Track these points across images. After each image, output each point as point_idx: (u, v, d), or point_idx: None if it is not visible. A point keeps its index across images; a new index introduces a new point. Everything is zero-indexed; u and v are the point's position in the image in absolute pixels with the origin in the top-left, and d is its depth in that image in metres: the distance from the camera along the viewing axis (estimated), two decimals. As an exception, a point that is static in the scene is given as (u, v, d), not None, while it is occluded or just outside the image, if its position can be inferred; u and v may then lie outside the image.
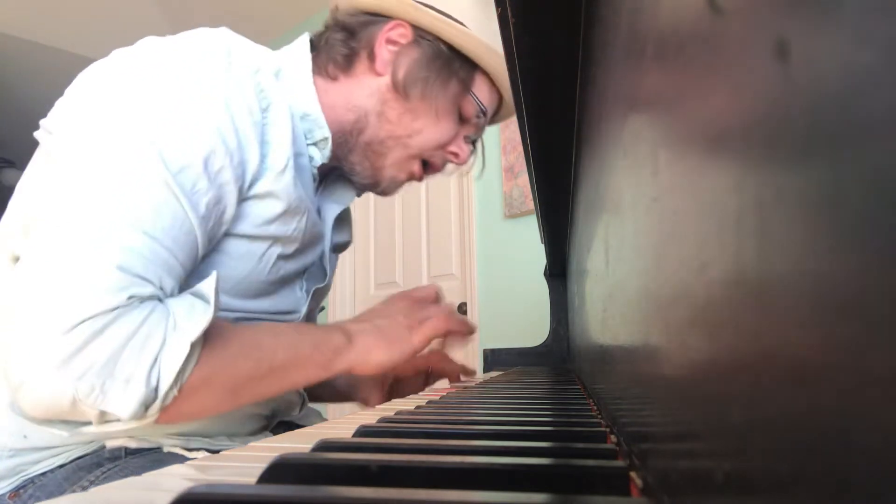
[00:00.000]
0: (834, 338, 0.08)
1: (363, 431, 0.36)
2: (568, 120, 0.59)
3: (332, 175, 0.80)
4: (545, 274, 1.29)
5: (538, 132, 0.63)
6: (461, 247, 2.48)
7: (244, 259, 0.65)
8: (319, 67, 0.74)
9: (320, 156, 0.72)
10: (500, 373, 1.14)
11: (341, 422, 0.49)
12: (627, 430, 0.29)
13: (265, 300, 0.70)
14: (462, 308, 2.40)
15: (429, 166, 0.79)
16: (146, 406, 0.52)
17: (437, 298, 0.79)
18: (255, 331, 0.63)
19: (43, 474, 0.62)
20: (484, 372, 1.27)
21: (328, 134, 0.71)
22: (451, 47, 0.73)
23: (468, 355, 2.32)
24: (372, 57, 0.73)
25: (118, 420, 0.52)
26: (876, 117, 0.07)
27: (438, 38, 0.72)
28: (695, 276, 0.15)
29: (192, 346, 0.53)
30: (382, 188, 0.79)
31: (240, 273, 0.65)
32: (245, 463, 0.31)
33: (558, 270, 1.25)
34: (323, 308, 0.97)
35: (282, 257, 0.68)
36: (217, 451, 0.66)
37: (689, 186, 0.16)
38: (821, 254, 0.08)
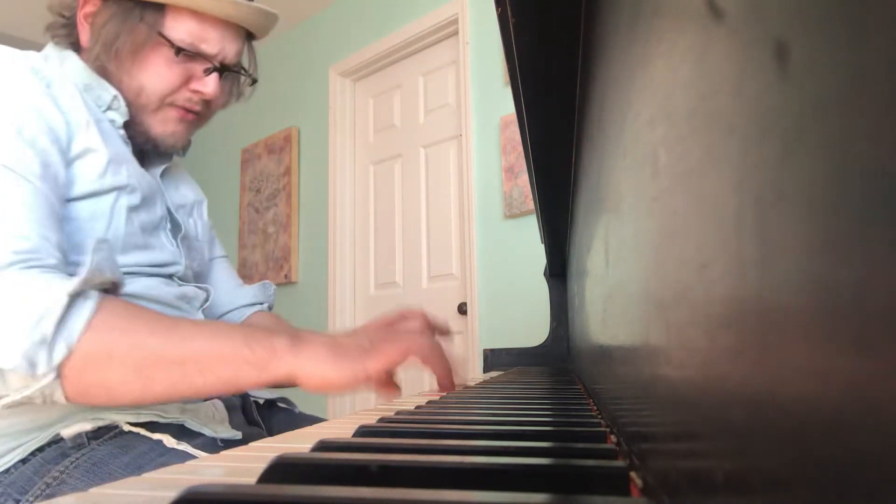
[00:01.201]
0: (834, 337, 0.08)
1: (363, 431, 0.36)
2: (568, 120, 0.59)
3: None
4: (545, 274, 1.29)
5: (538, 132, 0.63)
6: (461, 247, 2.48)
7: (97, 218, 0.68)
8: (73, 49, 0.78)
9: (119, 114, 0.75)
10: (500, 373, 1.14)
11: (341, 422, 0.49)
12: (627, 430, 0.29)
13: (139, 254, 0.73)
14: (462, 308, 2.40)
15: (187, 109, 0.79)
16: (31, 361, 0.53)
17: (423, 328, 0.75)
18: (173, 318, 0.62)
19: (6, 472, 0.63)
20: (484, 372, 1.27)
21: (115, 91, 0.75)
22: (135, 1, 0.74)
23: (468, 355, 2.32)
24: (79, 38, 0.76)
25: (25, 387, 0.54)
26: (876, 117, 0.07)
27: None
28: (695, 276, 0.15)
29: (71, 297, 0.54)
30: (165, 145, 0.80)
31: (98, 232, 0.68)
32: (245, 463, 0.31)
33: (558, 270, 1.25)
34: (226, 256, 0.98)
35: (132, 209, 0.72)
36: (169, 425, 0.67)
37: (689, 186, 0.16)
38: (820, 254, 0.08)
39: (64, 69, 0.74)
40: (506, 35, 0.46)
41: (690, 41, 0.15)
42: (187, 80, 0.78)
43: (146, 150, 0.82)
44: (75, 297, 0.55)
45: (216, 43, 0.78)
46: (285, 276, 3.07)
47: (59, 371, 0.54)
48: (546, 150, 0.67)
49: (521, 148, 0.75)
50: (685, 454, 0.17)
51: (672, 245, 0.18)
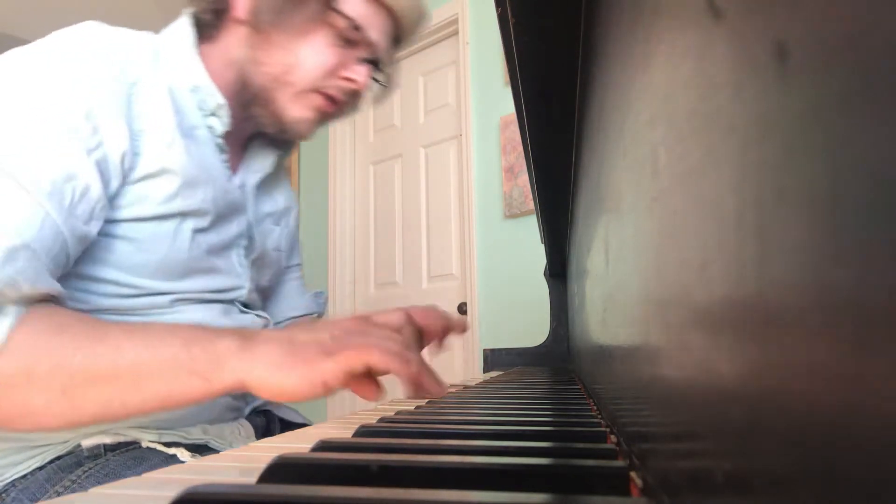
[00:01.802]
0: (834, 337, 0.08)
1: (363, 431, 0.36)
2: (568, 120, 0.59)
3: (253, 143, 0.79)
4: (545, 274, 1.29)
5: (538, 132, 0.63)
6: (461, 247, 2.48)
7: (156, 241, 0.63)
8: (204, 38, 0.72)
9: (220, 123, 0.70)
10: (500, 373, 1.14)
11: (341, 422, 0.49)
12: (627, 430, 0.29)
13: (200, 278, 0.68)
14: (462, 308, 2.40)
15: (332, 98, 0.74)
16: None
17: (400, 326, 0.62)
18: (108, 325, 0.52)
19: (23, 477, 0.61)
20: (484, 372, 1.27)
21: (222, 100, 0.69)
22: None
23: (468, 355, 2.32)
24: (231, 7, 0.71)
25: None
26: (876, 116, 0.07)
27: None
28: (695, 276, 0.15)
29: None
30: (291, 131, 0.74)
31: (157, 255, 0.63)
32: (245, 463, 0.31)
33: (558, 270, 1.25)
34: (322, 294, 0.94)
35: (198, 231, 0.66)
36: (194, 445, 0.65)
37: (689, 186, 0.16)
38: (820, 253, 0.08)
39: (175, 66, 0.68)
40: (506, 35, 0.46)
41: (690, 41, 0.15)
42: (340, 67, 0.72)
43: (252, 147, 0.77)
44: None
45: (378, 31, 0.74)
46: (285, 276, 3.07)
47: None
48: (546, 150, 0.67)
49: (521, 148, 0.75)
50: (685, 454, 0.17)
51: (672, 245, 0.18)
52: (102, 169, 0.58)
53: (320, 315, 0.94)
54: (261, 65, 0.70)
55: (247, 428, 0.74)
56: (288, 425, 0.84)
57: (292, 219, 0.87)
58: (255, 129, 0.76)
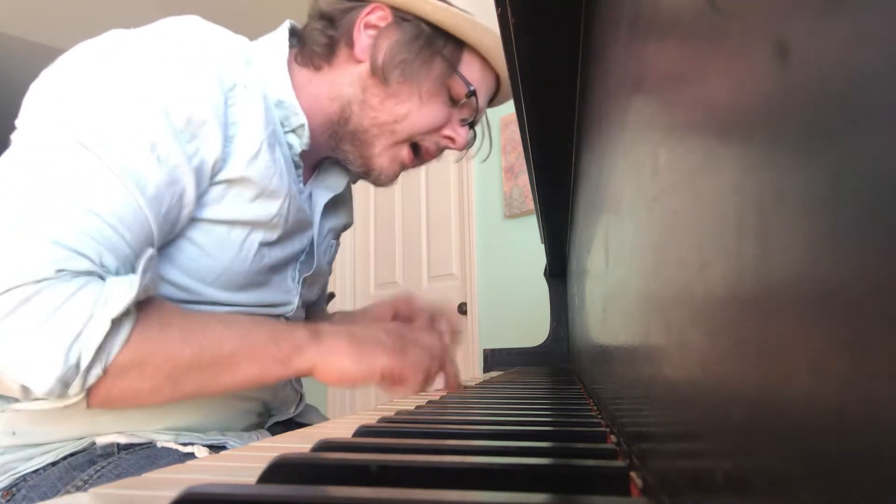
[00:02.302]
0: (834, 337, 0.08)
1: (363, 431, 0.36)
2: (568, 120, 0.59)
3: (325, 162, 0.80)
4: (545, 274, 1.29)
5: (538, 132, 0.63)
6: (461, 247, 2.48)
7: (224, 247, 0.63)
8: (305, 58, 0.73)
9: (299, 143, 0.70)
10: (500, 373, 1.14)
11: (341, 422, 0.49)
12: (627, 430, 0.29)
13: (254, 292, 0.68)
14: (462, 308, 2.40)
15: (423, 151, 0.76)
16: (65, 383, 0.50)
17: (432, 329, 0.75)
18: (205, 317, 0.60)
19: (35, 472, 0.61)
20: (484, 372, 1.27)
21: (304, 121, 0.69)
22: (435, 26, 0.70)
23: (469, 355, 2.32)
24: (351, 44, 0.71)
25: (45, 400, 0.51)
26: (876, 116, 0.07)
27: (420, 18, 0.70)
28: (695, 276, 0.15)
29: (114, 322, 0.51)
30: (374, 177, 0.76)
31: (222, 263, 0.63)
32: (245, 463, 0.31)
33: (558, 270, 1.25)
34: (333, 295, 0.95)
35: (265, 244, 0.67)
36: (209, 447, 0.65)
37: (689, 186, 0.16)
38: (821, 253, 0.08)
39: (266, 77, 0.68)
40: (506, 35, 0.46)
41: (690, 41, 0.15)
42: (444, 125, 0.74)
43: (325, 166, 0.78)
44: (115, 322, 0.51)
45: (485, 95, 0.75)
46: (285, 276, 3.07)
47: (89, 388, 0.52)
48: (546, 150, 0.67)
49: (521, 148, 0.75)
50: (685, 454, 0.17)
51: (672, 245, 0.18)
52: (199, 175, 0.59)
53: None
54: (369, 109, 0.71)
55: (264, 433, 0.74)
56: (297, 425, 0.84)
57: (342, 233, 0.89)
58: (333, 155, 0.77)
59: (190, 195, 0.59)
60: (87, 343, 0.50)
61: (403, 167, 0.77)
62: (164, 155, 0.56)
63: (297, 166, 0.71)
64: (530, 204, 2.13)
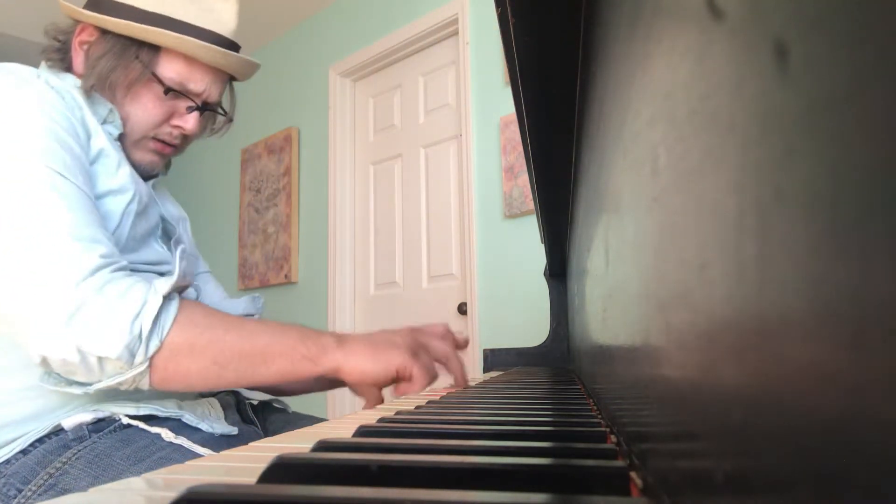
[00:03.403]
0: (833, 337, 0.08)
1: (363, 431, 0.36)
2: (568, 120, 0.59)
3: None
4: (545, 274, 1.29)
5: (538, 132, 0.63)
6: (461, 247, 2.47)
7: (108, 218, 0.73)
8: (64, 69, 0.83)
9: (115, 127, 0.80)
10: (500, 373, 1.13)
11: (341, 422, 0.49)
12: (627, 430, 0.29)
13: (131, 255, 0.76)
14: (462, 308, 2.40)
15: (165, 142, 0.85)
16: (132, 352, 0.61)
17: (444, 334, 0.81)
18: (240, 318, 0.72)
19: (7, 462, 0.66)
20: (484, 372, 1.27)
21: (109, 105, 0.79)
22: (127, 37, 0.79)
23: (469, 355, 2.32)
24: (72, 62, 0.81)
25: (119, 373, 0.62)
26: (876, 117, 0.07)
27: (111, 33, 0.79)
28: (695, 276, 0.15)
29: (165, 299, 0.64)
30: (142, 171, 0.84)
31: (109, 231, 0.72)
32: (245, 463, 0.31)
33: (558, 270, 1.25)
34: (209, 272, 1.03)
35: (138, 215, 0.77)
36: (167, 419, 0.72)
37: (689, 186, 0.16)
38: (820, 254, 0.08)
39: (66, 83, 0.77)
40: (506, 35, 0.46)
41: (690, 41, 0.15)
42: (171, 115, 0.83)
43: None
44: (166, 298, 0.64)
45: (202, 83, 0.84)
46: (285, 276, 3.07)
47: (150, 361, 0.63)
48: (546, 150, 0.67)
49: (521, 148, 0.75)
50: (685, 454, 0.17)
51: (672, 245, 0.18)
52: (82, 152, 0.71)
53: (260, 317, 1.01)
54: (109, 117, 0.80)
55: (216, 406, 0.81)
56: (255, 407, 0.92)
57: (188, 228, 0.98)
58: None
59: (88, 175, 0.72)
60: (145, 318, 0.62)
61: (161, 157, 0.87)
62: (68, 145, 0.69)
63: (121, 153, 0.80)
64: (530, 204, 2.13)
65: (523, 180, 2.17)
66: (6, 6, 3.10)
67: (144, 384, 0.64)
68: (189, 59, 0.82)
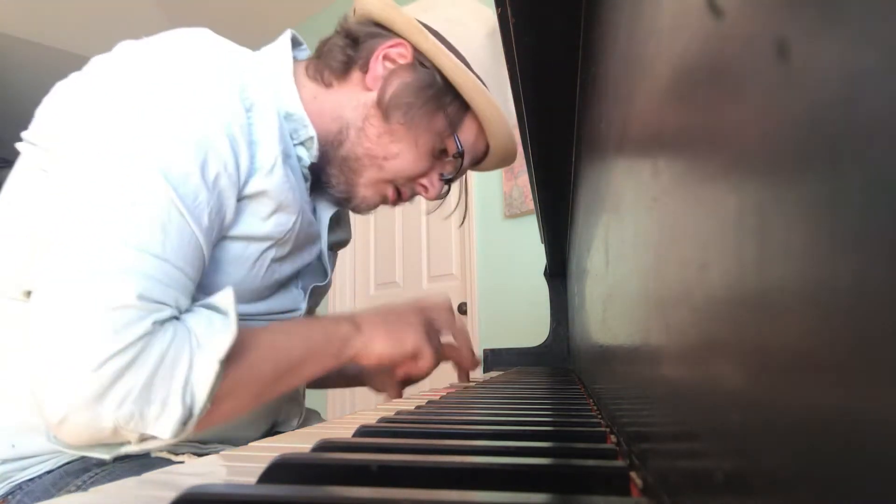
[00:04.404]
0: (833, 338, 0.08)
1: (363, 431, 0.36)
2: (568, 120, 0.59)
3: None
4: (545, 274, 1.29)
5: (538, 132, 0.63)
6: (461, 247, 2.48)
7: (238, 263, 0.64)
8: (317, 72, 0.73)
9: (308, 155, 0.71)
10: (500, 373, 1.14)
11: (341, 422, 0.49)
12: (627, 430, 0.29)
13: (262, 303, 0.70)
14: (462, 308, 2.40)
15: (401, 193, 0.77)
16: (185, 423, 0.53)
17: (450, 308, 0.80)
18: (268, 332, 0.64)
19: (31, 480, 0.62)
20: (484, 372, 1.27)
21: (313, 133, 0.70)
22: (448, 82, 0.70)
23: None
24: (366, 69, 0.71)
25: (156, 438, 0.53)
26: (876, 118, 0.07)
27: (436, 69, 0.70)
28: (695, 276, 0.15)
29: (220, 363, 0.54)
30: (354, 205, 0.77)
31: (233, 278, 0.64)
32: (245, 463, 0.31)
33: (558, 270, 1.25)
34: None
35: (276, 260, 0.68)
36: (206, 453, 0.64)
37: (689, 186, 0.16)
38: (820, 254, 0.08)
39: (276, 89, 0.68)
40: (506, 35, 0.46)
41: (690, 40, 0.15)
42: (427, 173, 0.75)
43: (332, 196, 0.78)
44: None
45: (470, 160, 0.77)
46: (285, 276, 3.07)
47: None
48: (546, 150, 0.67)
49: (520, 148, 0.75)
50: (685, 454, 0.17)
51: (672, 245, 0.18)
52: (232, 192, 0.60)
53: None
54: (365, 138, 0.71)
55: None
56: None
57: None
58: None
59: (228, 219, 0.61)
60: (199, 386, 0.53)
61: (384, 202, 0.78)
62: (212, 181, 0.57)
63: (306, 179, 0.72)
64: (530, 204, 2.13)
65: (523, 180, 2.17)
66: (6, 6, 3.10)
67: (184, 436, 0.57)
68: (480, 133, 0.74)
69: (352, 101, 0.71)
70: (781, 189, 0.10)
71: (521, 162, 2.14)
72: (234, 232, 0.62)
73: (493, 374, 1.13)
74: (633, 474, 0.24)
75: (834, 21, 0.08)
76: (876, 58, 0.07)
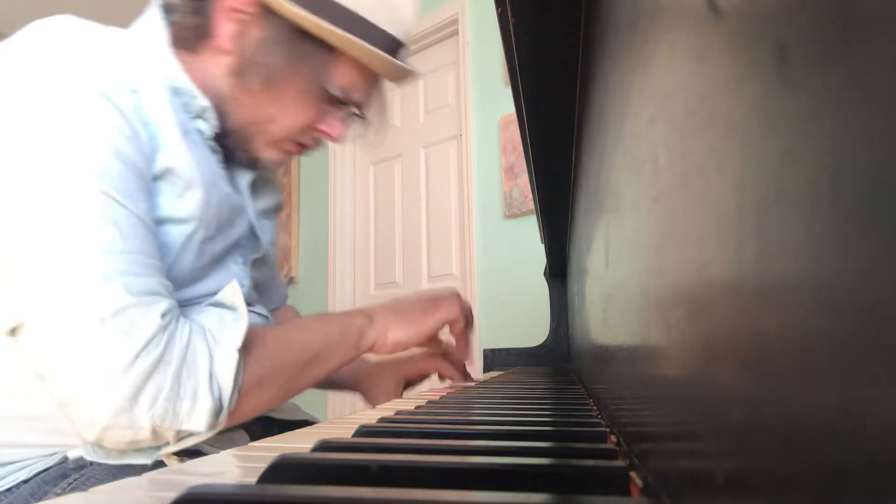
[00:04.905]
0: (833, 337, 0.08)
1: (363, 431, 0.36)
2: (568, 120, 0.59)
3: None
4: (545, 274, 1.28)
5: (538, 132, 0.63)
6: (461, 247, 2.48)
7: (168, 249, 0.62)
8: (179, 41, 0.67)
9: (208, 126, 0.67)
10: (500, 373, 1.14)
11: (341, 422, 0.49)
12: (627, 430, 0.29)
13: (201, 284, 0.67)
14: (462, 308, 2.40)
15: (304, 145, 0.74)
16: (217, 415, 0.57)
17: (454, 292, 0.84)
18: (285, 328, 0.70)
19: (8, 490, 0.61)
20: (484, 372, 1.27)
21: (206, 103, 0.66)
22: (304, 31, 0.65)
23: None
24: (213, 33, 0.66)
25: (192, 434, 0.57)
26: (875, 116, 0.07)
27: (289, 19, 0.65)
28: (695, 276, 0.15)
29: (239, 352, 0.58)
30: (262, 167, 0.75)
31: (167, 263, 0.61)
32: (245, 463, 0.31)
33: (558, 270, 1.25)
34: (293, 280, 0.98)
35: (205, 241, 0.65)
36: (183, 454, 0.63)
37: (689, 186, 0.16)
38: (820, 253, 0.08)
39: (154, 63, 0.64)
40: (506, 35, 0.46)
41: (690, 41, 0.15)
42: (319, 121, 0.72)
43: (241, 160, 0.75)
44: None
45: (365, 93, 0.73)
46: (285, 275, 3.07)
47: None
48: (546, 150, 0.67)
49: (521, 148, 0.74)
50: (685, 454, 0.17)
51: (672, 245, 0.18)
52: (147, 173, 0.59)
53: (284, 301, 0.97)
54: (242, 108, 0.68)
55: (242, 435, 0.73)
56: (286, 426, 0.84)
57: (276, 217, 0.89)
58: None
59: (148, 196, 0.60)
60: (223, 377, 0.57)
61: (290, 155, 0.75)
62: (130, 163, 0.56)
63: (214, 151, 0.69)
64: (530, 204, 2.13)
65: (523, 180, 2.17)
66: (6, 6, 3.10)
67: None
68: (360, 67, 0.69)
69: (216, 68, 0.67)
70: (781, 189, 0.10)
71: (521, 162, 2.15)
72: (158, 216, 0.61)
73: (493, 374, 1.13)
74: (633, 474, 0.24)
75: (834, 21, 0.08)
76: (875, 57, 0.07)
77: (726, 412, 0.13)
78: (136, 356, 0.51)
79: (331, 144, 2.94)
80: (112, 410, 0.51)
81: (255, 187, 0.78)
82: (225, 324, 0.59)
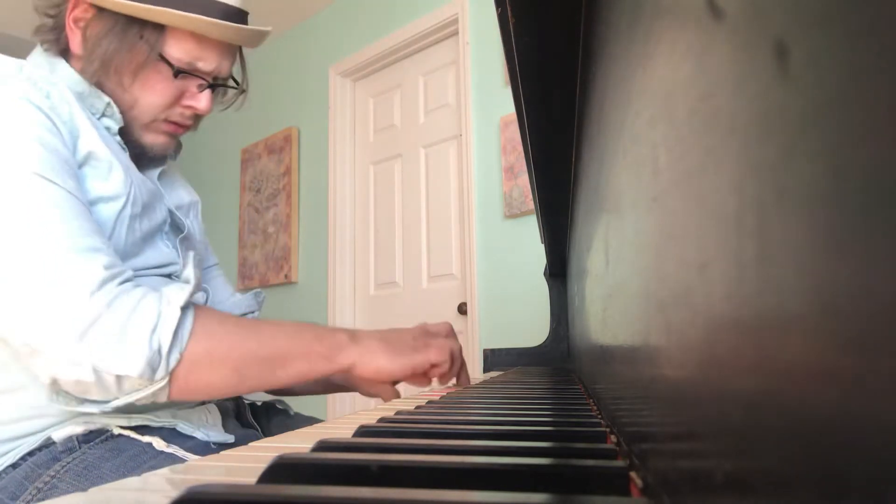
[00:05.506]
0: (833, 337, 0.08)
1: (363, 431, 0.36)
2: (568, 120, 0.59)
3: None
4: (545, 274, 1.29)
5: (538, 132, 0.63)
6: (461, 247, 2.47)
7: (102, 226, 0.68)
8: (58, 55, 0.76)
9: (114, 121, 0.75)
10: (500, 373, 1.13)
11: (341, 422, 0.49)
12: (627, 430, 0.29)
13: (136, 259, 0.73)
14: (462, 308, 2.40)
15: (177, 123, 0.80)
16: (153, 367, 0.59)
17: (449, 332, 0.81)
18: (255, 321, 0.71)
19: None
20: (484, 372, 1.27)
21: (107, 98, 0.74)
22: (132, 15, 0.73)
23: (468, 355, 2.32)
24: (67, 41, 0.75)
25: (137, 390, 0.60)
26: (876, 117, 0.07)
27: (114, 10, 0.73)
28: (695, 276, 0.15)
29: (183, 310, 0.61)
30: (154, 153, 0.81)
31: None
32: (245, 463, 0.31)
33: (558, 270, 1.25)
34: (218, 264, 0.99)
35: (134, 217, 0.72)
36: (160, 428, 0.68)
37: (689, 186, 0.16)
38: (820, 254, 0.08)
39: (56, 76, 0.73)
40: (506, 35, 0.46)
41: (690, 41, 0.15)
42: (181, 95, 0.78)
43: (139, 155, 0.82)
44: (182, 309, 0.62)
45: (213, 61, 0.78)
46: (285, 276, 3.07)
47: (170, 375, 0.61)
48: (546, 150, 0.67)
49: (521, 148, 0.75)
50: (685, 454, 0.17)
51: (672, 245, 0.18)
52: (73, 160, 0.67)
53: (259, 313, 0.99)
54: (115, 100, 0.75)
55: (214, 413, 0.77)
56: (258, 409, 0.88)
57: (199, 213, 0.93)
58: None
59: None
60: (164, 332, 0.60)
61: (174, 137, 0.82)
62: (54, 149, 0.64)
63: (123, 148, 0.76)
64: (530, 204, 2.13)
65: (523, 180, 2.17)
66: (6, 6, 3.10)
67: (163, 398, 0.62)
68: (198, 37, 0.76)
69: (84, 74, 0.75)
70: (781, 189, 0.10)
71: (521, 162, 2.15)
72: (90, 198, 0.68)
73: (493, 374, 1.13)
74: (633, 474, 0.24)
75: (834, 21, 0.08)
76: (876, 57, 0.07)
77: (726, 412, 0.13)
78: (84, 301, 0.58)
79: (330, 144, 2.95)
80: (60, 350, 0.57)
81: (163, 183, 0.84)
82: (173, 288, 0.63)
